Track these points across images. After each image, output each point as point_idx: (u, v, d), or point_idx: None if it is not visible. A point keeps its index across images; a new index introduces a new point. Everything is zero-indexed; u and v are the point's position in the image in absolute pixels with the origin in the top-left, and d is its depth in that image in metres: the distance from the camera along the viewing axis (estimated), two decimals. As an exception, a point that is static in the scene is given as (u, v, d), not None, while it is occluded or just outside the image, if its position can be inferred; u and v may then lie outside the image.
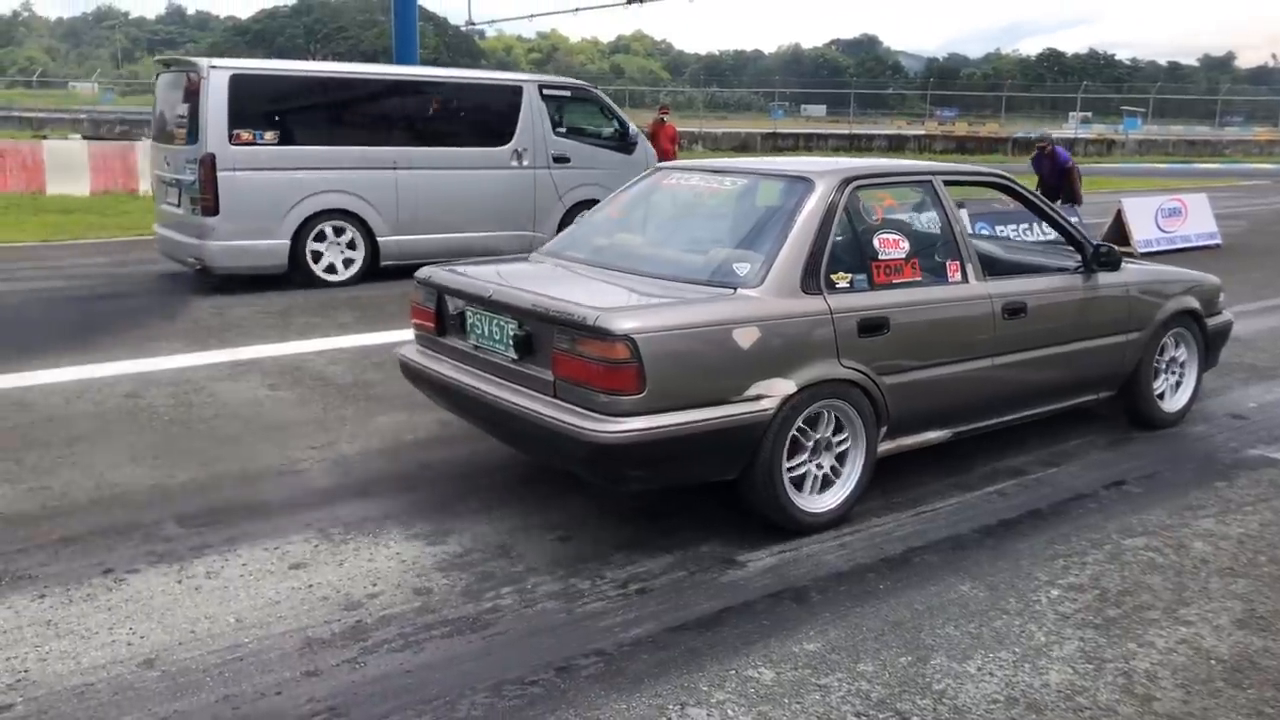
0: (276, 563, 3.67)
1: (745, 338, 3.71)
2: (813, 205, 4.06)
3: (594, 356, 3.53)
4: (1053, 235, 4.68)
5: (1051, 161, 11.56)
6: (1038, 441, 5.11)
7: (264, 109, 8.73)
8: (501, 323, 3.99)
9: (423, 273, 4.61)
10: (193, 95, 8.58)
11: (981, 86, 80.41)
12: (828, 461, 4.02)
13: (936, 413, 4.38)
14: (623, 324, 3.50)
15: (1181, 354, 5.51)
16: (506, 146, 9.96)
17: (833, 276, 4.00)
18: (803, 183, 4.22)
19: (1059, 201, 10.89)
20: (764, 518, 3.93)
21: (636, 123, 11.57)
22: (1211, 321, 5.56)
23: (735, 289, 3.86)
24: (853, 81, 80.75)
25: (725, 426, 3.65)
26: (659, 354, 3.51)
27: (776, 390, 3.74)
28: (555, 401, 3.69)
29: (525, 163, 10.03)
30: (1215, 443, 5.25)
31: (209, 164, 8.42)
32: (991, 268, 4.69)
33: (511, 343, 3.90)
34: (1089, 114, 59.73)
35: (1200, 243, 13.11)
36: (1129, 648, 3.18)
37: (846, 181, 4.21)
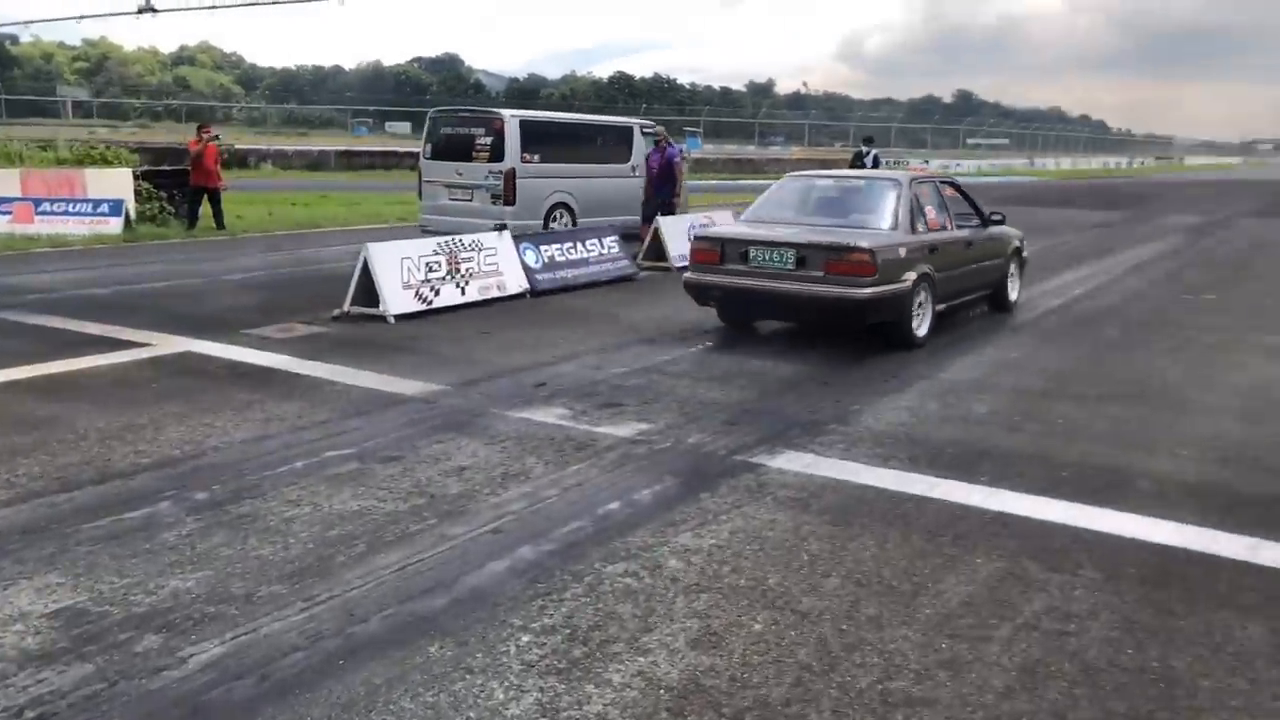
0: None
1: (903, 251, 7.97)
2: (903, 190, 8.45)
3: (853, 260, 7.64)
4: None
5: (662, 155, 14.65)
6: (520, 482, 5.07)
7: (531, 140, 13.89)
8: (781, 251, 7.92)
9: (704, 232, 9.08)
10: (495, 132, 13.74)
11: (560, 106, 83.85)
12: (930, 310, 8.38)
13: (942, 294, 8.59)
14: (867, 243, 7.71)
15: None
16: (627, 164, 15.64)
17: (915, 225, 8.27)
18: (895, 180, 8.70)
19: (665, 193, 14.62)
20: (900, 342, 8.08)
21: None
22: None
23: (887, 231, 8.08)
24: (435, 99, 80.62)
25: (900, 292, 7.85)
26: (881, 258, 7.67)
27: (910, 277, 7.94)
28: (824, 285, 7.69)
29: (637, 174, 15.49)
30: (706, 453, 5.44)
31: (511, 174, 13.56)
32: (959, 221, 9.27)
33: (792, 261, 7.85)
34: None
35: None
36: (586, 691, 3.10)
37: (911, 180, 8.74)
